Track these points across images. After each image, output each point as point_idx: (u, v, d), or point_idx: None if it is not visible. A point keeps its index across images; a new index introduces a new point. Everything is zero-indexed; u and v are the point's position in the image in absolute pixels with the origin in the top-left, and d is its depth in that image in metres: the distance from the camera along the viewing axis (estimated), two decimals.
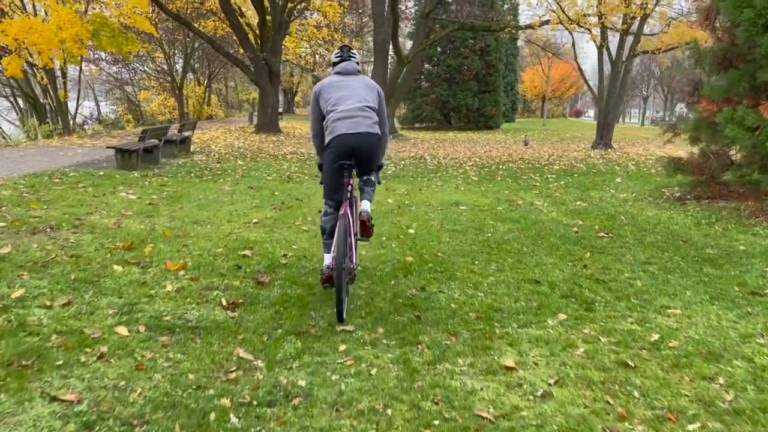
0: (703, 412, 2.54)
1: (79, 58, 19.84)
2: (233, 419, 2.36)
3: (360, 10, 31.35)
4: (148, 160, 10.85)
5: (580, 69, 22.44)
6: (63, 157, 11.59)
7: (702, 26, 8.10)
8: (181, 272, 4.17)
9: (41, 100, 22.07)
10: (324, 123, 3.69)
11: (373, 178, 3.97)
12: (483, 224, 6.32)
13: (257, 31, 20.77)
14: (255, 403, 2.49)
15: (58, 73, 20.40)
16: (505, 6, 33.59)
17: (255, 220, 6.10)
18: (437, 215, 6.79)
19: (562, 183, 10.10)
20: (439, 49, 32.33)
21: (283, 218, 6.31)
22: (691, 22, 16.13)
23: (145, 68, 34.26)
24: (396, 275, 4.36)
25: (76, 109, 27.03)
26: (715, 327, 3.52)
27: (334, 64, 3.87)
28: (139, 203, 6.79)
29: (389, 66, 22.53)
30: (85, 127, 26.62)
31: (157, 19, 24.17)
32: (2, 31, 14.62)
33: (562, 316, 3.61)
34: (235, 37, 21.95)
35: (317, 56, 33.17)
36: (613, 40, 18.37)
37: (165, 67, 32.18)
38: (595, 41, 17.34)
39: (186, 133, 13.65)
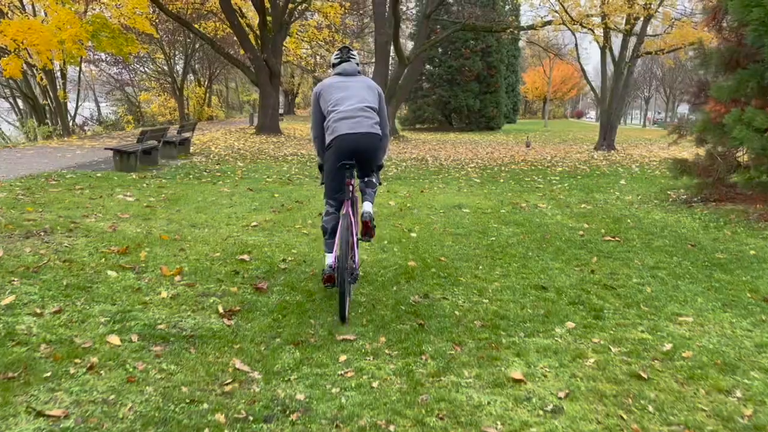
0: (721, 428, 2.41)
1: (79, 58, 19.76)
2: None
3: (361, 11, 31.25)
4: (146, 162, 10.75)
5: (582, 70, 22.34)
6: (61, 159, 11.49)
7: (708, 26, 7.97)
8: (177, 278, 4.05)
9: (41, 101, 21.98)
10: (325, 123, 3.70)
11: (374, 180, 3.94)
12: (486, 227, 6.20)
13: (258, 32, 20.67)
14: (251, 418, 2.37)
15: (58, 73, 20.32)
16: (507, 7, 33.46)
17: (254, 223, 5.99)
18: (440, 218, 6.67)
19: (565, 185, 9.98)
20: (440, 50, 32.24)
21: (282, 221, 6.19)
22: (695, 23, 16.03)
23: (146, 69, 34.20)
24: (398, 281, 4.24)
25: (76, 110, 26.96)
26: (728, 336, 3.40)
27: (334, 65, 3.90)
28: (137, 206, 6.68)
29: (390, 67, 22.41)
30: (85, 128, 26.54)
31: (157, 20, 24.10)
32: (1, 31, 14.53)
33: (570, 324, 3.49)
34: (235, 38, 21.85)
35: (318, 57, 33.11)
36: (616, 40, 18.25)
37: (165, 68, 32.11)
38: (598, 42, 17.23)
39: (185, 135, 13.54)
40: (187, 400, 2.47)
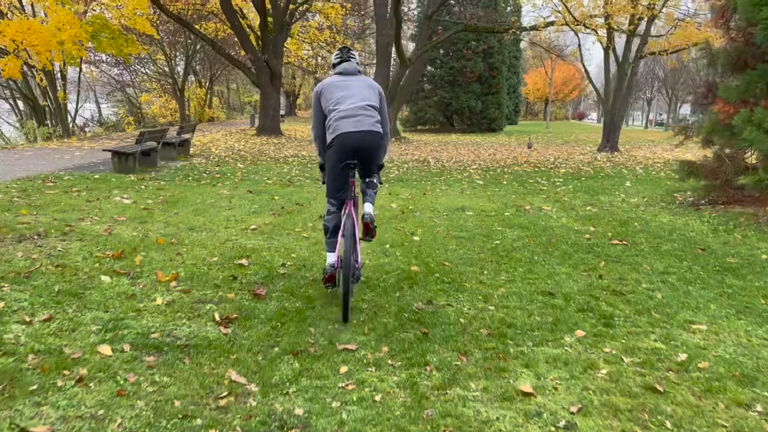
0: None
1: (79, 59, 19.67)
2: None
3: (362, 12, 31.16)
4: (145, 163, 10.63)
5: (586, 71, 22.18)
6: (60, 160, 11.38)
7: (716, 25, 7.84)
8: (173, 283, 3.92)
9: (41, 102, 21.89)
10: (326, 122, 3.66)
11: (375, 180, 3.89)
12: (491, 231, 6.07)
13: (259, 33, 20.56)
14: None
15: (58, 74, 20.23)
16: (508, 8, 33.33)
17: (253, 227, 5.86)
18: (443, 221, 6.54)
19: (570, 187, 9.84)
20: (441, 51, 32.09)
21: (282, 224, 6.06)
22: (698, 23, 15.90)
23: (146, 70, 34.11)
24: (401, 286, 4.11)
25: (76, 111, 26.87)
26: (745, 345, 3.27)
27: (335, 65, 3.88)
28: (134, 208, 6.55)
29: (392, 68, 22.29)
30: (86, 129, 26.46)
31: (158, 21, 24.01)
32: (0, 31, 14.44)
33: (580, 333, 3.35)
34: (236, 39, 21.74)
35: (319, 58, 33.03)
36: (620, 41, 18.12)
37: (166, 69, 32.01)
38: (601, 42, 17.09)
39: (185, 136, 13.42)
40: (180, 415, 2.35)
